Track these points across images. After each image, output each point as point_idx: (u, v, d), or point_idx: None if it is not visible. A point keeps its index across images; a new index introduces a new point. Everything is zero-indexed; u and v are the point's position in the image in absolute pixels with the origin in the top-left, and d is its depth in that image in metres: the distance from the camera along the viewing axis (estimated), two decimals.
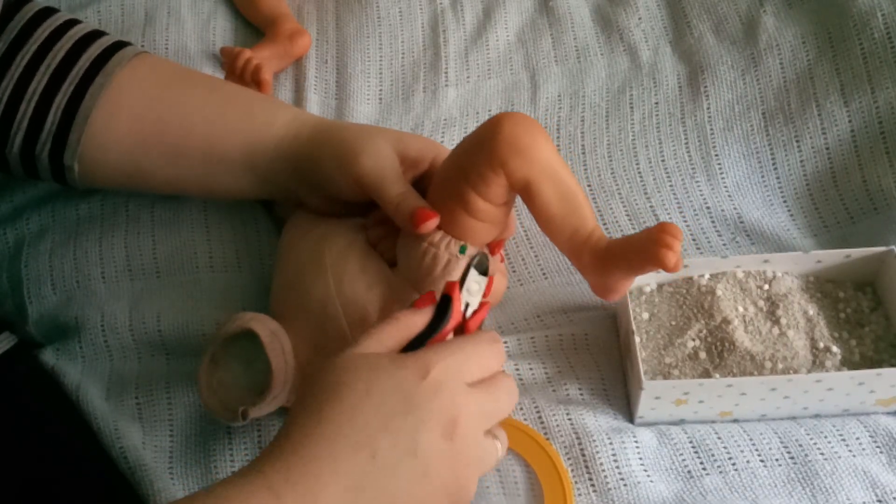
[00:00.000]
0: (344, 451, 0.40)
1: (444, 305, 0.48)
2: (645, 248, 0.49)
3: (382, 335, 0.46)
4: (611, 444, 0.53)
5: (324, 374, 0.43)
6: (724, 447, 0.53)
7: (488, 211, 0.52)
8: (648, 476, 0.52)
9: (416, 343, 0.46)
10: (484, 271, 0.50)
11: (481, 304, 0.50)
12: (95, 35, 0.60)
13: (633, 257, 0.50)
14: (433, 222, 0.53)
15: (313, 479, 0.39)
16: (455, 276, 0.52)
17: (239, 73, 0.72)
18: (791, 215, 0.66)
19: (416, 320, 0.47)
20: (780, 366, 0.55)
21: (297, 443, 0.41)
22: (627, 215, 0.67)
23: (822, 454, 0.53)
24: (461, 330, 0.49)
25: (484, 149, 0.50)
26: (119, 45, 0.60)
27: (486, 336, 0.47)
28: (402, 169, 0.56)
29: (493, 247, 0.57)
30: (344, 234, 0.57)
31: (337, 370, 0.43)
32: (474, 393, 0.44)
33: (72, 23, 0.59)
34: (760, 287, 0.59)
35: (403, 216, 0.53)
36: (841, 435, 0.54)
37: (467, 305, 0.49)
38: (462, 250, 0.53)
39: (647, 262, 0.49)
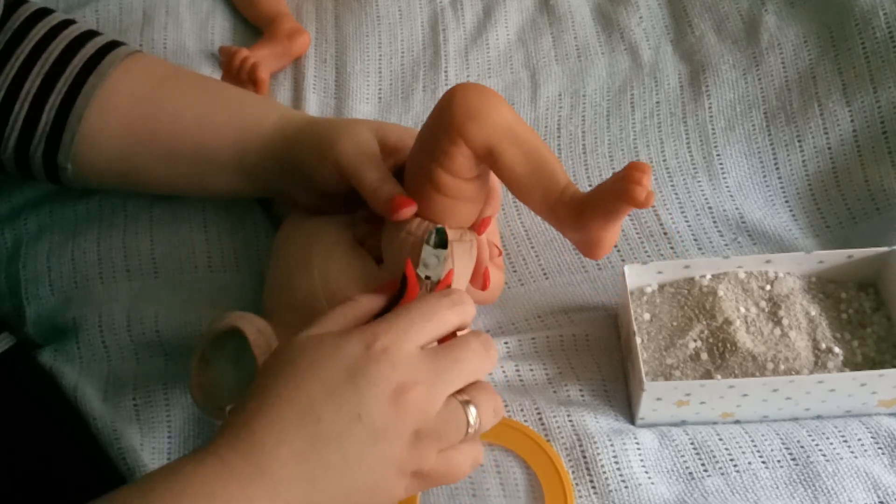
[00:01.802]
0: (289, 419, 0.40)
1: (402, 284, 0.48)
2: (615, 188, 0.48)
3: (335, 316, 0.45)
4: (612, 445, 0.53)
5: (274, 356, 0.44)
6: (726, 448, 0.53)
7: (459, 187, 0.52)
8: (649, 478, 0.52)
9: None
10: (441, 244, 0.51)
11: (446, 275, 0.50)
12: (89, 35, 0.60)
13: (606, 199, 0.49)
14: (410, 210, 0.52)
15: (259, 446, 0.40)
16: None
17: (235, 72, 0.72)
18: (793, 215, 0.66)
19: (373, 302, 0.47)
20: (781, 367, 0.55)
21: (246, 416, 0.41)
22: (629, 214, 0.67)
23: (823, 455, 0.53)
24: None
25: (441, 122, 0.50)
26: (112, 45, 0.60)
27: (444, 295, 0.46)
28: (382, 156, 0.56)
29: (480, 226, 0.55)
30: (331, 231, 0.57)
31: (285, 351, 0.43)
32: (425, 357, 0.43)
33: (66, 23, 0.59)
34: (762, 287, 0.59)
35: (380, 203, 0.53)
36: (843, 436, 0.54)
37: (428, 278, 0.49)
38: (440, 232, 0.53)
39: (619, 201, 0.48)
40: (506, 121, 0.49)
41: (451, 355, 0.44)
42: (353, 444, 0.41)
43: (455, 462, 0.44)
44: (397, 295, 0.48)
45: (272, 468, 0.40)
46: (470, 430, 0.44)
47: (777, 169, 0.67)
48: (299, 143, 0.57)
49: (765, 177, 0.67)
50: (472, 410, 0.44)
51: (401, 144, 0.58)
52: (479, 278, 0.56)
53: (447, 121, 0.49)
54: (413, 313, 0.44)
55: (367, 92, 0.75)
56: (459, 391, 0.45)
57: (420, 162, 0.52)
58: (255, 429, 0.40)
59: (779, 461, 0.53)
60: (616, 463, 0.53)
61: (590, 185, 0.68)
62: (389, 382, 0.41)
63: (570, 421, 0.55)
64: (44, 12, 0.59)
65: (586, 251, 0.53)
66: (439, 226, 0.52)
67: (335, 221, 0.58)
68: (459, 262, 0.53)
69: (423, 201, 0.52)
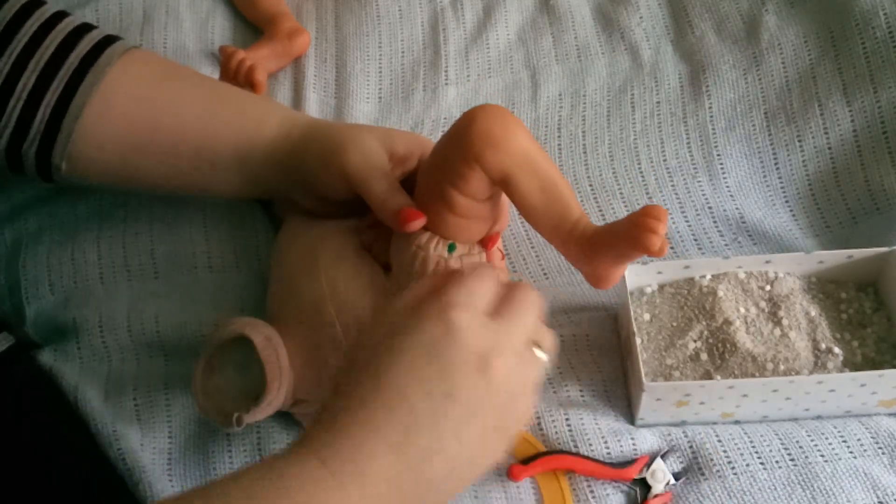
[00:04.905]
0: (380, 413, 0.40)
1: None
2: (629, 234, 0.48)
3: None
4: (609, 448, 0.53)
5: (353, 348, 0.44)
6: (724, 451, 0.53)
7: (472, 207, 0.51)
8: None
9: None
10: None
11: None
12: (85, 29, 0.59)
13: (619, 244, 0.49)
14: (419, 222, 0.52)
15: (358, 446, 0.40)
16: None
17: (233, 74, 0.71)
18: (793, 215, 0.66)
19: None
20: (781, 367, 0.55)
21: (337, 412, 0.41)
22: (627, 212, 0.67)
23: (822, 456, 0.53)
24: None
25: (459, 144, 0.49)
26: (109, 41, 0.59)
27: (484, 265, 0.48)
28: (390, 165, 0.56)
29: (487, 242, 0.56)
30: (337, 237, 0.57)
31: (360, 341, 0.44)
32: (495, 322, 0.43)
33: (60, 16, 0.58)
34: (762, 288, 0.59)
35: (389, 214, 0.53)
36: (842, 436, 0.54)
37: None
38: (451, 249, 0.53)
39: (632, 248, 0.48)
40: (524, 149, 0.49)
41: (515, 314, 0.45)
42: (448, 424, 0.41)
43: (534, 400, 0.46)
44: None
45: (372, 468, 0.40)
46: (543, 371, 0.46)
47: (777, 169, 0.67)
48: (305, 149, 0.57)
49: (765, 177, 0.67)
50: (542, 354, 0.46)
51: (409, 153, 0.57)
52: None
53: (465, 144, 0.49)
54: (471, 285, 0.45)
55: (367, 91, 0.75)
56: None
57: (433, 180, 0.52)
58: (350, 429, 0.40)
59: (777, 462, 0.53)
60: None
61: (590, 186, 0.68)
62: (471, 355, 0.42)
63: (569, 426, 0.55)
64: (35, 4, 0.58)
65: (593, 282, 0.53)
66: (451, 242, 0.52)
67: (341, 228, 0.57)
68: None
69: (435, 219, 0.52)
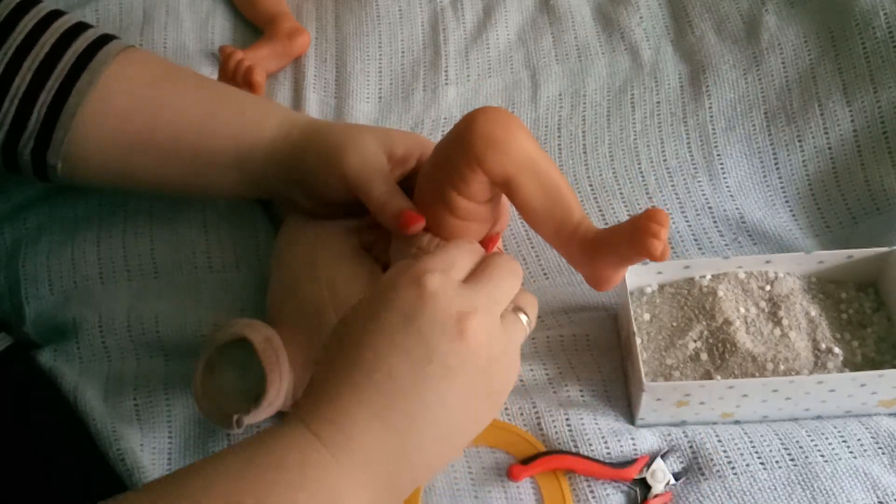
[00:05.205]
0: (362, 380, 0.41)
1: None
2: (631, 238, 0.48)
3: None
4: (609, 448, 0.53)
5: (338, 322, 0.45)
6: (724, 451, 0.53)
7: (472, 210, 0.51)
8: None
9: None
10: None
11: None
12: (80, 28, 0.58)
13: (620, 247, 0.49)
14: (419, 225, 0.52)
15: (342, 412, 0.40)
16: None
17: (231, 74, 0.71)
18: (793, 215, 0.66)
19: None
20: (781, 367, 0.55)
21: (322, 383, 0.42)
22: (629, 215, 0.67)
23: (822, 456, 0.53)
24: None
25: (460, 146, 0.49)
26: (104, 40, 0.58)
27: (465, 242, 0.48)
28: (389, 167, 0.56)
29: (487, 243, 0.56)
30: (337, 238, 0.57)
31: (347, 313, 0.44)
32: (469, 287, 0.44)
33: (56, 14, 0.58)
34: (762, 288, 0.59)
35: (388, 217, 0.53)
36: (842, 436, 0.54)
37: None
38: None
39: (634, 252, 0.48)
40: (526, 152, 0.49)
41: (492, 279, 0.45)
42: (430, 387, 0.41)
43: (519, 363, 0.46)
44: None
45: (359, 434, 0.40)
46: (526, 335, 0.47)
47: (777, 169, 0.67)
48: (305, 150, 0.57)
49: (765, 177, 0.67)
50: (524, 317, 0.46)
51: (408, 154, 0.57)
52: None
53: (466, 147, 0.49)
54: (450, 253, 0.45)
55: (367, 91, 0.75)
56: None
57: (434, 182, 0.52)
58: (334, 397, 0.41)
59: (777, 462, 0.53)
60: None
61: (590, 186, 0.68)
62: (449, 317, 0.42)
63: (569, 426, 0.55)
64: (31, 2, 0.58)
65: (593, 284, 0.53)
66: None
67: (340, 228, 0.57)
68: None
69: (435, 221, 0.52)
